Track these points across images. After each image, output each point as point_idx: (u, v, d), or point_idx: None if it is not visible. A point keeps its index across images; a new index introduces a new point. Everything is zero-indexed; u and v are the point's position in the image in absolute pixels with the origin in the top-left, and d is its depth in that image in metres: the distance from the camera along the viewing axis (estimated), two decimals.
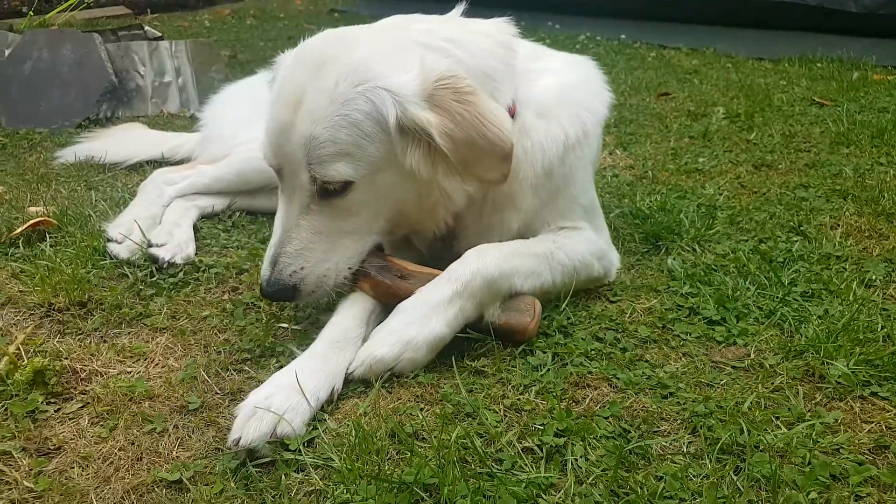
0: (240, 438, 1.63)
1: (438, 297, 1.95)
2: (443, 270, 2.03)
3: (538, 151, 2.13)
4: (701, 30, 7.44)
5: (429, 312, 1.94)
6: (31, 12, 5.98)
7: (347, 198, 1.95)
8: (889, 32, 6.50)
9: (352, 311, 2.03)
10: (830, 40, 6.40)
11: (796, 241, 2.62)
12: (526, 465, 1.59)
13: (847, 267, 2.43)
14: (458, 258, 2.04)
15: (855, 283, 2.29)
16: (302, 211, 1.96)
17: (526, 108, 2.14)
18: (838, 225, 2.76)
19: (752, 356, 1.98)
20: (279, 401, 1.71)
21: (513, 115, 2.08)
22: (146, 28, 5.65)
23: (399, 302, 1.99)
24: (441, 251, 2.21)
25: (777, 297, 2.22)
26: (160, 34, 5.66)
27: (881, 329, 2.03)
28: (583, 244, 2.24)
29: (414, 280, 2.03)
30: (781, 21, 7.22)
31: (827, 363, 1.90)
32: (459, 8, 2.22)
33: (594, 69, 2.42)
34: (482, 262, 2.00)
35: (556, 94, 2.21)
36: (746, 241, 2.66)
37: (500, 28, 2.16)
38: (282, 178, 1.99)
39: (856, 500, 1.48)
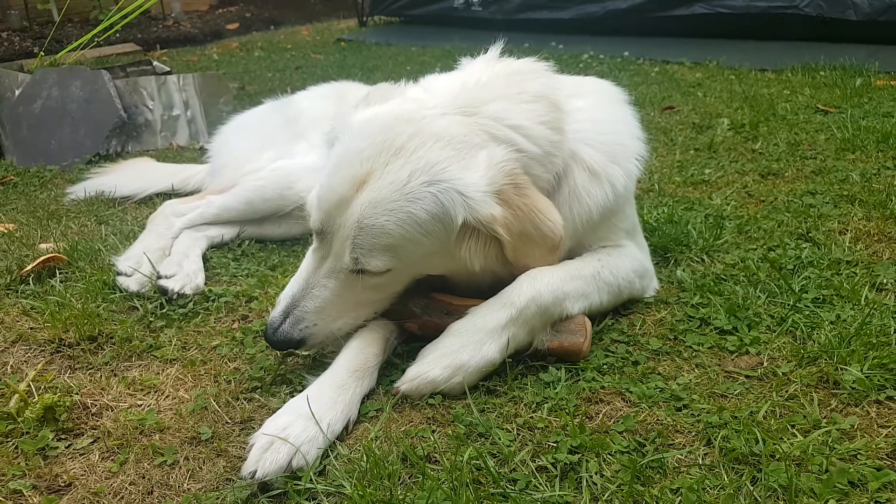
0: (256, 471, 1.62)
1: (493, 323, 1.95)
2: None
3: (584, 212, 2.13)
4: (704, 44, 7.43)
5: (483, 338, 1.94)
6: (41, 52, 6.04)
7: (382, 277, 1.95)
8: (890, 39, 6.47)
9: (371, 338, 2.03)
10: (832, 49, 6.39)
11: (805, 247, 2.60)
12: (540, 484, 1.58)
13: (857, 272, 2.41)
14: (498, 289, 2.03)
15: (866, 287, 2.27)
16: (330, 274, 1.95)
17: (576, 165, 2.11)
18: (847, 230, 2.74)
19: (765, 364, 1.96)
20: (296, 431, 1.71)
21: (563, 172, 2.09)
22: (155, 63, 5.71)
23: None
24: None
25: (788, 305, 2.21)
26: (169, 69, 5.72)
27: (894, 333, 2.01)
28: (627, 262, 2.24)
29: (460, 315, 2.03)
30: (783, 32, 7.22)
31: (841, 369, 1.88)
32: (498, 47, 2.20)
33: (627, 106, 2.40)
34: (536, 288, 1.99)
35: (604, 150, 2.17)
36: (755, 249, 2.64)
37: (547, 85, 2.10)
38: (320, 240, 1.97)
39: None
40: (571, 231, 2.12)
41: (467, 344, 1.93)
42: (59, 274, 2.73)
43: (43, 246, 3.04)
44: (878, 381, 1.83)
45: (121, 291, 2.58)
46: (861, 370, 1.86)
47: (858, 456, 1.59)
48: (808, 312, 2.17)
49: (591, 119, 2.20)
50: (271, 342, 1.97)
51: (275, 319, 1.96)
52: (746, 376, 1.92)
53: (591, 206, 2.13)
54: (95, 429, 1.88)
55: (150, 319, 2.41)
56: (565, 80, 2.32)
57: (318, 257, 1.98)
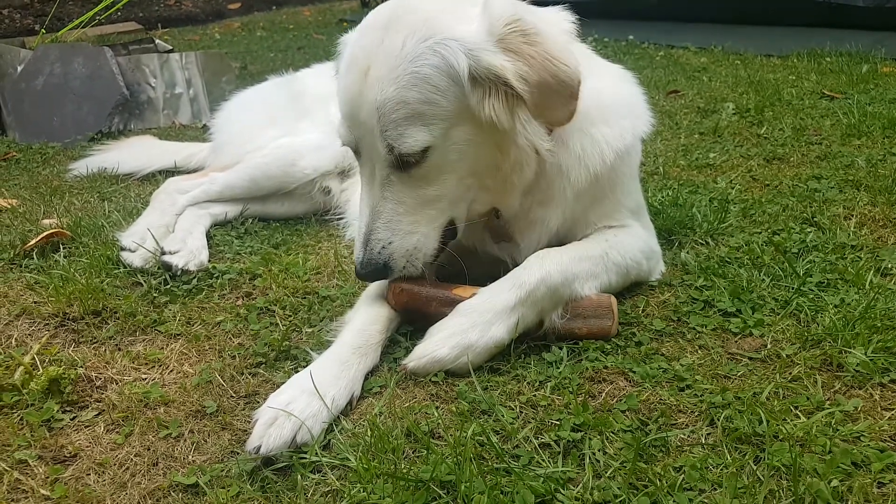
0: (260, 446, 1.62)
1: (502, 303, 1.95)
2: None
3: (596, 153, 2.10)
4: (709, 28, 7.41)
5: (491, 318, 1.93)
6: (42, 30, 6.02)
7: (425, 164, 1.90)
8: None
9: (374, 316, 2.03)
10: (839, 35, 6.36)
11: (810, 231, 2.60)
12: (543, 460, 1.58)
13: (862, 256, 2.40)
14: (505, 270, 2.03)
15: (871, 271, 2.27)
16: (384, 184, 1.93)
17: (588, 107, 2.05)
18: (852, 215, 2.74)
19: (769, 346, 1.96)
20: (300, 406, 1.71)
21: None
22: (157, 41, 5.69)
23: None
24: (491, 251, 2.21)
25: (792, 288, 2.20)
26: (171, 47, 5.70)
27: None
28: (634, 242, 2.24)
29: None
30: (789, 18, 7.19)
31: (845, 352, 1.88)
32: None
33: (636, 85, 2.38)
34: (546, 269, 1.99)
35: (615, 101, 2.18)
36: (760, 233, 2.64)
37: (561, 17, 2.08)
38: (359, 155, 1.96)
39: (878, 487, 1.46)
40: (583, 181, 2.10)
41: (476, 324, 1.93)
42: (63, 249, 2.73)
43: (46, 221, 3.04)
44: (882, 364, 1.83)
45: (124, 267, 2.58)
46: (865, 353, 1.85)
47: (862, 437, 1.59)
48: (812, 296, 2.17)
49: (600, 81, 2.16)
50: (362, 276, 2.00)
51: (359, 254, 1.97)
52: (750, 358, 1.92)
53: (604, 147, 2.10)
54: (100, 401, 1.89)
55: (154, 295, 2.41)
56: (583, 50, 2.25)
57: (367, 175, 1.96)
